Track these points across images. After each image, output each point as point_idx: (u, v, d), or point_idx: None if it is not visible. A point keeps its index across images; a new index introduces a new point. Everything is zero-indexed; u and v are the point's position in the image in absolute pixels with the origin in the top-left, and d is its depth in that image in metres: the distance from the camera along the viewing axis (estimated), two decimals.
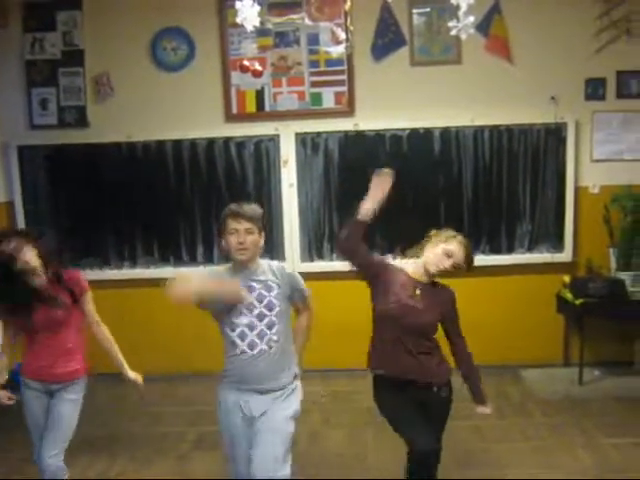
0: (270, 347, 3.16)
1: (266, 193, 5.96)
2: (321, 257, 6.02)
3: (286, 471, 3.12)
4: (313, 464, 4.41)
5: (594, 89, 5.79)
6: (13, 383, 3.59)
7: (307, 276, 5.83)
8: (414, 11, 5.76)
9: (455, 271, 3.32)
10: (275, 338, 3.16)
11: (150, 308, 5.42)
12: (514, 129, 5.81)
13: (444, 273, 3.32)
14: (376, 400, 3.42)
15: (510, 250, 5.94)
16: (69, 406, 3.55)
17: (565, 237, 5.89)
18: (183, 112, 5.87)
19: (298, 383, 3.33)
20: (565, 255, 5.91)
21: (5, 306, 3.44)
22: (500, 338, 5.80)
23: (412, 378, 3.26)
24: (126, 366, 3.64)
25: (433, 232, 3.48)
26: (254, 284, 3.18)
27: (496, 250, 5.93)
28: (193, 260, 6.04)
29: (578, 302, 5.51)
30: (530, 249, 5.94)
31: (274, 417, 3.16)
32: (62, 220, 6.01)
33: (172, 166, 5.96)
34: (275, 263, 3.34)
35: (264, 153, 5.93)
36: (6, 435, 4.81)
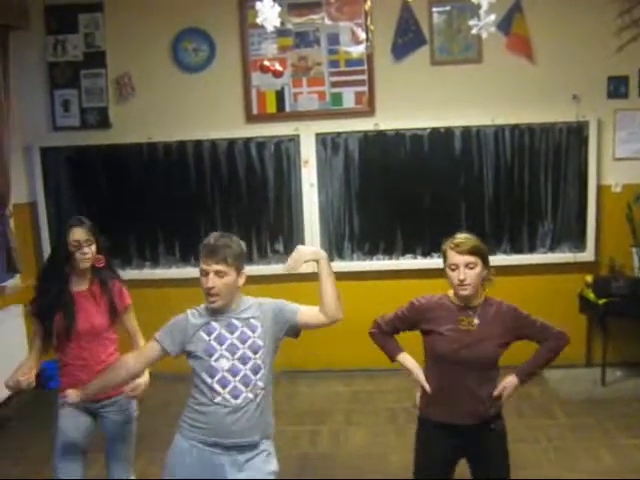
0: (256, 395, 2.76)
1: (286, 193, 5.97)
2: (341, 257, 6.01)
3: None
4: (335, 465, 4.41)
5: (616, 87, 5.74)
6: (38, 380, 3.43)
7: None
8: (434, 10, 5.74)
9: (481, 273, 2.97)
10: (261, 385, 2.77)
11: (171, 308, 5.42)
12: (535, 128, 5.77)
13: (477, 285, 2.97)
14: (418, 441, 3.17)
15: (532, 250, 5.90)
16: (122, 427, 3.36)
17: (587, 236, 5.85)
18: (204, 113, 5.90)
19: (271, 446, 2.90)
20: (587, 254, 5.86)
21: (45, 306, 3.24)
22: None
23: (470, 423, 2.99)
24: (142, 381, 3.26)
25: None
26: (236, 322, 2.80)
27: (518, 250, 5.90)
28: None
29: (601, 302, 5.46)
30: (552, 249, 5.90)
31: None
32: None
33: (193, 167, 5.99)
34: (259, 300, 2.92)
35: (284, 153, 5.94)
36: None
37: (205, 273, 2.75)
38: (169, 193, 6.01)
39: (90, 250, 3.24)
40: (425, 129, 5.82)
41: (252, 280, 6.08)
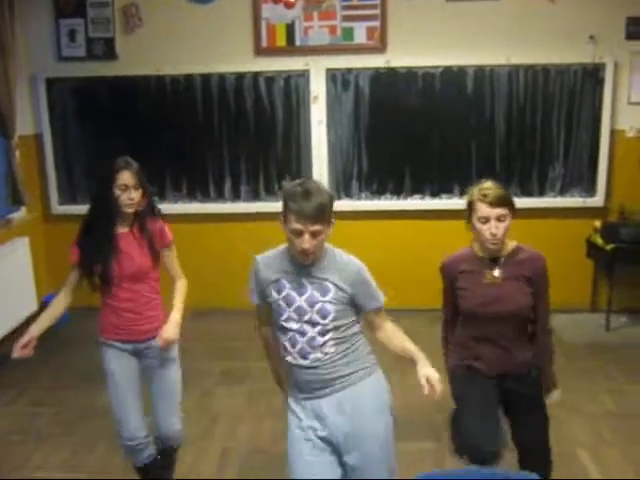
0: (326, 354, 2.62)
1: (295, 130, 5.89)
2: (349, 196, 5.96)
3: None
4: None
5: (635, 28, 5.58)
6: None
7: (335, 215, 5.86)
8: None
9: (510, 221, 2.87)
10: (331, 343, 2.62)
11: (177, 243, 5.42)
12: (550, 69, 5.65)
13: (505, 235, 2.86)
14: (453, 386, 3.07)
15: (541, 193, 5.84)
16: (170, 367, 3.27)
17: (598, 181, 5.78)
18: (212, 45, 5.77)
19: (375, 377, 2.76)
20: (597, 200, 5.80)
21: (90, 249, 3.13)
22: None
23: (503, 372, 2.94)
24: (174, 318, 3.22)
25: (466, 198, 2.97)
26: (307, 283, 2.62)
27: (527, 193, 5.84)
28: (220, 196, 6.02)
29: (608, 247, 5.44)
30: (562, 193, 5.84)
31: (368, 429, 2.65)
32: (89, 153, 5.98)
33: (200, 100, 5.89)
34: (343, 257, 2.69)
35: (294, 89, 5.83)
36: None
37: (300, 233, 2.50)
38: (176, 127, 5.94)
39: (137, 195, 3.12)
40: (437, 67, 5.69)
41: (260, 217, 6.08)
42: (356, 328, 2.72)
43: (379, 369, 2.79)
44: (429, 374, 2.51)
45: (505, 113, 5.75)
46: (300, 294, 2.62)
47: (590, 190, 5.81)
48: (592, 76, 5.63)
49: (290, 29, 5.74)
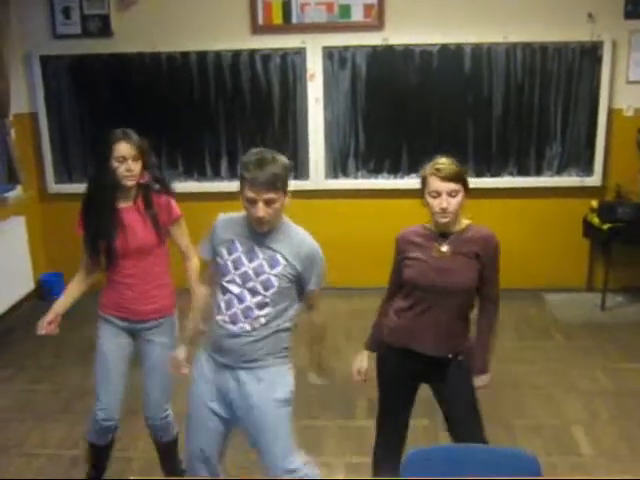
0: (253, 329, 2.63)
1: (291, 108, 5.87)
2: (346, 174, 5.95)
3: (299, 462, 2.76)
4: (337, 377, 4.46)
5: (634, 6, 5.55)
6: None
7: (331, 194, 5.89)
8: None
9: (462, 200, 2.81)
10: (263, 321, 2.63)
11: None
12: (548, 47, 5.62)
13: (457, 213, 2.81)
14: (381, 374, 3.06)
15: (538, 172, 5.83)
16: (164, 352, 3.12)
17: (595, 161, 5.77)
18: (208, 23, 5.73)
19: (287, 368, 2.79)
20: (594, 179, 5.80)
21: (91, 224, 3.08)
22: (524, 261, 5.74)
23: (433, 354, 2.88)
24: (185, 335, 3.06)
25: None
26: (258, 251, 2.63)
27: (524, 172, 5.83)
28: (217, 175, 6.01)
29: (605, 227, 5.44)
30: (559, 172, 5.83)
31: (265, 409, 2.70)
32: (85, 131, 5.96)
33: (197, 78, 5.86)
34: (299, 234, 2.70)
35: (290, 67, 5.80)
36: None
37: (253, 201, 2.53)
38: (172, 105, 5.91)
39: (136, 167, 3.04)
40: (435, 45, 5.66)
41: None
42: (288, 317, 2.73)
43: (290, 365, 2.81)
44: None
45: (502, 91, 5.72)
46: (250, 260, 2.64)
47: (587, 169, 5.80)
48: (590, 54, 5.61)
49: (286, 6, 5.69)
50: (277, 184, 2.54)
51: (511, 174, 5.84)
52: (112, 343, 3.19)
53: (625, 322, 5.39)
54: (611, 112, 5.70)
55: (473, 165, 5.76)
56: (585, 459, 3.63)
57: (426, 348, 2.87)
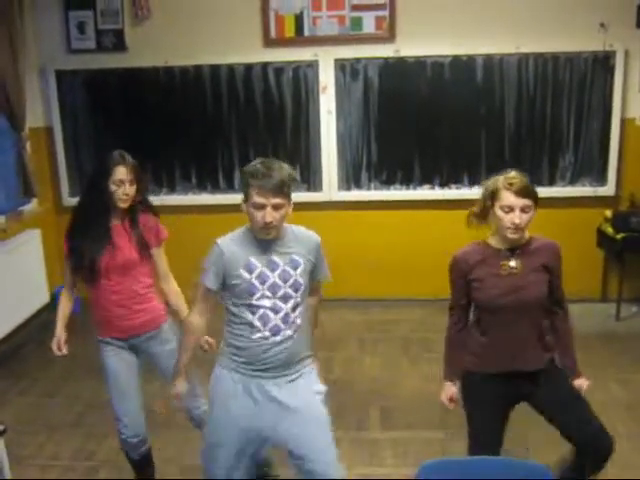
0: (294, 331, 2.71)
1: (304, 120, 5.89)
2: (359, 186, 5.96)
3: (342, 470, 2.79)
4: (348, 389, 4.47)
5: None
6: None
7: (344, 205, 5.90)
8: None
9: (533, 214, 2.79)
10: (299, 322, 2.72)
11: (187, 234, 5.45)
12: (560, 57, 5.61)
13: (527, 227, 2.80)
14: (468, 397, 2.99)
15: (552, 182, 5.82)
16: (172, 356, 3.10)
17: (609, 170, 5.75)
18: (221, 36, 5.77)
19: (314, 366, 2.90)
20: (608, 189, 5.78)
21: (83, 241, 3.13)
22: None
23: (526, 369, 2.85)
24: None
25: (482, 188, 2.92)
26: (277, 259, 2.68)
27: (537, 182, 5.75)
28: (230, 187, 6.03)
29: (619, 237, 5.42)
30: (572, 182, 5.81)
31: (310, 406, 2.76)
32: (99, 145, 5.99)
33: (210, 91, 5.90)
34: (302, 230, 2.80)
35: (302, 79, 5.83)
36: None
37: (261, 207, 2.58)
38: (186, 118, 5.95)
39: (132, 190, 3.12)
40: (446, 57, 5.67)
41: None
42: (305, 302, 2.79)
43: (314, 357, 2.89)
44: None
45: (515, 102, 5.72)
46: (272, 270, 2.67)
47: (600, 179, 5.78)
48: (602, 64, 5.60)
49: (299, 19, 5.73)
50: (284, 189, 2.60)
51: None
52: (118, 361, 3.25)
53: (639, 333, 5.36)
54: (624, 121, 5.69)
55: (486, 176, 5.72)
56: (601, 473, 3.59)
57: (524, 365, 2.85)
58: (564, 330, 2.96)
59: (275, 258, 2.67)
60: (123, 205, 3.13)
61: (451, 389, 3.01)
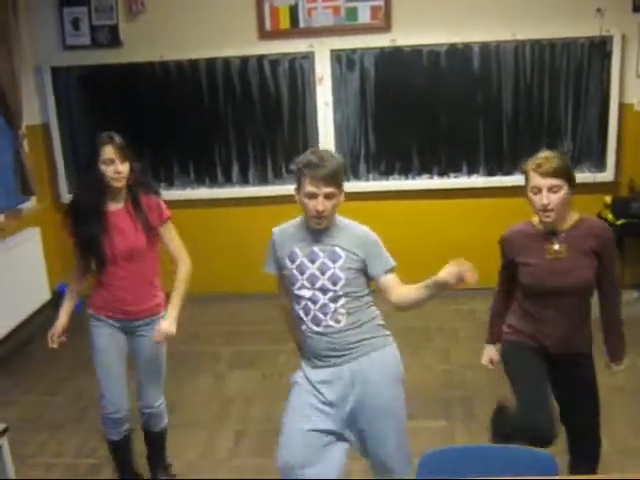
0: (337, 321, 2.69)
1: (301, 112, 5.88)
2: (357, 177, 5.95)
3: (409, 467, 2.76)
4: None
5: None
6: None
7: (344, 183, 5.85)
8: None
9: (566, 196, 2.75)
10: (342, 311, 2.69)
11: (186, 229, 5.42)
12: (557, 43, 5.59)
13: (561, 210, 2.75)
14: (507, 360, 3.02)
15: None
16: (156, 346, 3.24)
17: (607, 156, 5.73)
18: (216, 30, 5.75)
19: (390, 346, 2.84)
20: (607, 174, 5.76)
21: (81, 228, 3.14)
22: None
23: (557, 352, 2.88)
24: (173, 314, 3.19)
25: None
26: (318, 251, 2.70)
27: None
28: (228, 181, 6.02)
29: (619, 223, 5.41)
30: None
31: (378, 398, 2.73)
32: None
33: (206, 85, 5.88)
34: (351, 224, 2.79)
35: (299, 71, 5.81)
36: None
37: (314, 196, 2.62)
38: (182, 112, 5.94)
39: (124, 168, 3.10)
40: (443, 45, 5.65)
41: (268, 201, 6.07)
42: (368, 298, 2.78)
43: (393, 342, 2.85)
44: (451, 270, 2.46)
45: (512, 89, 5.70)
46: (312, 261, 2.70)
47: (600, 165, 5.77)
48: (599, 49, 5.57)
49: (293, 11, 5.71)
50: (336, 179, 2.65)
51: (521, 172, 5.80)
52: (108, 340, 3.26)
53: None
54: (622, 107, 5.66)
55: (484, 164, 5.74)
56: (602, 457, 3.60)
57: (553, 347, 2.87)
58: (612, 314, 2.98)
59: (317, 249, 2.71)
60: (117, 184, 3.10)
61: (492, 351, 3.10)
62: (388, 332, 2.85)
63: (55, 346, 3.26)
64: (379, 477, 2.85)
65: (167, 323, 3.17)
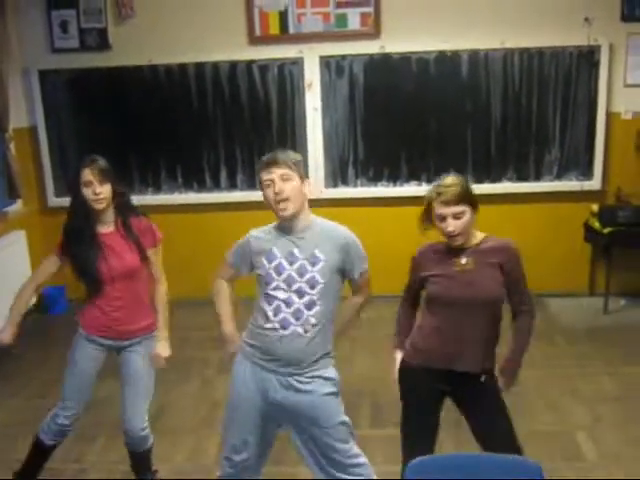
0: (306, 331, 2.66)
1: (290, 117, 5.88)
2: (345, 183, 5.96)
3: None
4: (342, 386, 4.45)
5: (630, 10, 5.55)
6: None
7: (331, 202, 5.88)
8: None
9: (470, 219, 2.78)
10: (313, 321, 2.67)
11: (174, 233, 5.42)
12: (545, 52, 5.62)
13: (468, 232, 2.79)
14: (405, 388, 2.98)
15: (538, 177, 5.83)
16: (145, 361, 3.24)
17: (595, 165, 5.77)
18: (206, 34, 5.74)
19: (332, 364, 2.81)
20: (594, 183, 5.79)
21: (74, 250, 3.17)
22: (526, 266, 5.71)
23: (461, 370, 2.80)
24: (164, 336, 3.25)
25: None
26: (298, 253, 2.68)
27: (524, 177, 5.83)
28: (217, 186, 6.01)
29: (606, 231, 5.44)
30: (559, 176, 5.82)
31: (317, 404, 2.73)
32: (85, 144, 5.94)
33: (195, 89, 5.87)
34: (332, 226, 2.78)
35: (288, 76, 5.81)
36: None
37: (269, 182, 2.64)
38: (171, 117, 5.92)
39: (104, 190, 3.10)
40: (432, 52, 5.67)
41: (256, 206, 6.04)
42: (334, 305, 2.76)
43: (333, 360, 2.83)
44: None
45: (500, 97, 5.73)
46: (290, 263, 2.68)
47: (587, 173, 5.79)
48: (587, 58, 5.61)
49: (283, 17, 5.71)
50: (288, 161, 2.66)
51: (510, 180, 5.84)
52: (90, 358, 3.26)
53: (628, 326, 5.37)
54: (609, 116, 5.70)
55: (472, 171, 5.76)
56: (589, 464, 3.61)
57: (459, 365, 2.80)
58: (520, 329, 2.91)
59: (296, 251, 2.69)
60: (98, 206, 3.11)
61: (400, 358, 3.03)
62: (332, 352, 2.82)
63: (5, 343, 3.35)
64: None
65: (161, 347, 3.22)
